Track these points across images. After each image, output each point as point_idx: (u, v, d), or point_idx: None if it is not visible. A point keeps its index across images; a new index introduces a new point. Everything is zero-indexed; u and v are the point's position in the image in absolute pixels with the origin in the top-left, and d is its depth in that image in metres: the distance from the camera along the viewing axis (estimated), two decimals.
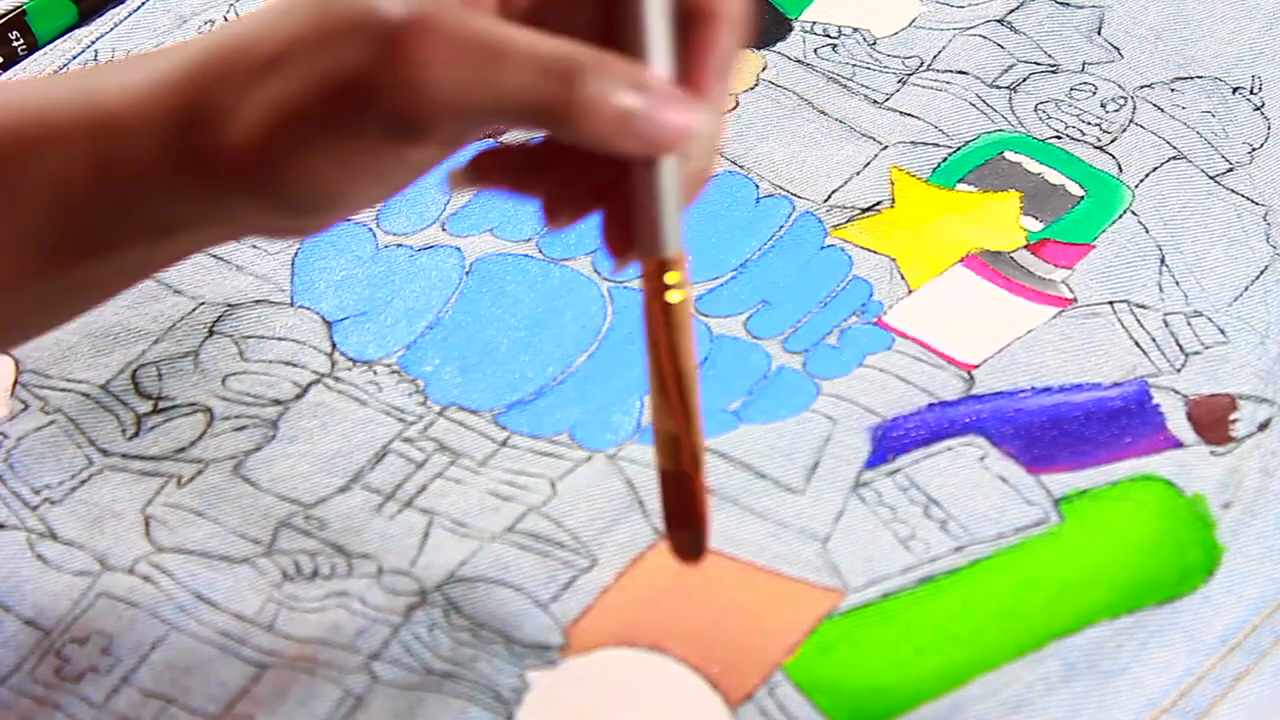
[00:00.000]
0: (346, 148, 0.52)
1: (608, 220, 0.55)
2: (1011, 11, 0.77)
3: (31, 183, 0.53)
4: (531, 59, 0.51)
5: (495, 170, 0.55)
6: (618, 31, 0.52)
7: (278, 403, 0.66)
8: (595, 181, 0.54)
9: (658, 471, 0.56)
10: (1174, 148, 0.73)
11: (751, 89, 0.75)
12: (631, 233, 0.54)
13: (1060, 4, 0.78)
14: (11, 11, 0.79)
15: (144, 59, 0.54)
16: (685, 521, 0.57)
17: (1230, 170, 0.72)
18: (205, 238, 0.55)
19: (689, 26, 0.53)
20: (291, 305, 0.69)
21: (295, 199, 0.53)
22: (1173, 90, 0.75)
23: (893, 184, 0.72)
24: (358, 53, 0.51)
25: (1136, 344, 0.67)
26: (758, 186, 0.72)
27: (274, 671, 0.59)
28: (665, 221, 0.53)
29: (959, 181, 0.72)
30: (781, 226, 0.71)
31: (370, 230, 0.71)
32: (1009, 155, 0.73)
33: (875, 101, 0.75)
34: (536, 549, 0.61)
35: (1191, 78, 0.75)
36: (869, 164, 0.73)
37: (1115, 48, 0.76)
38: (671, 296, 0.54)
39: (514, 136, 0.67)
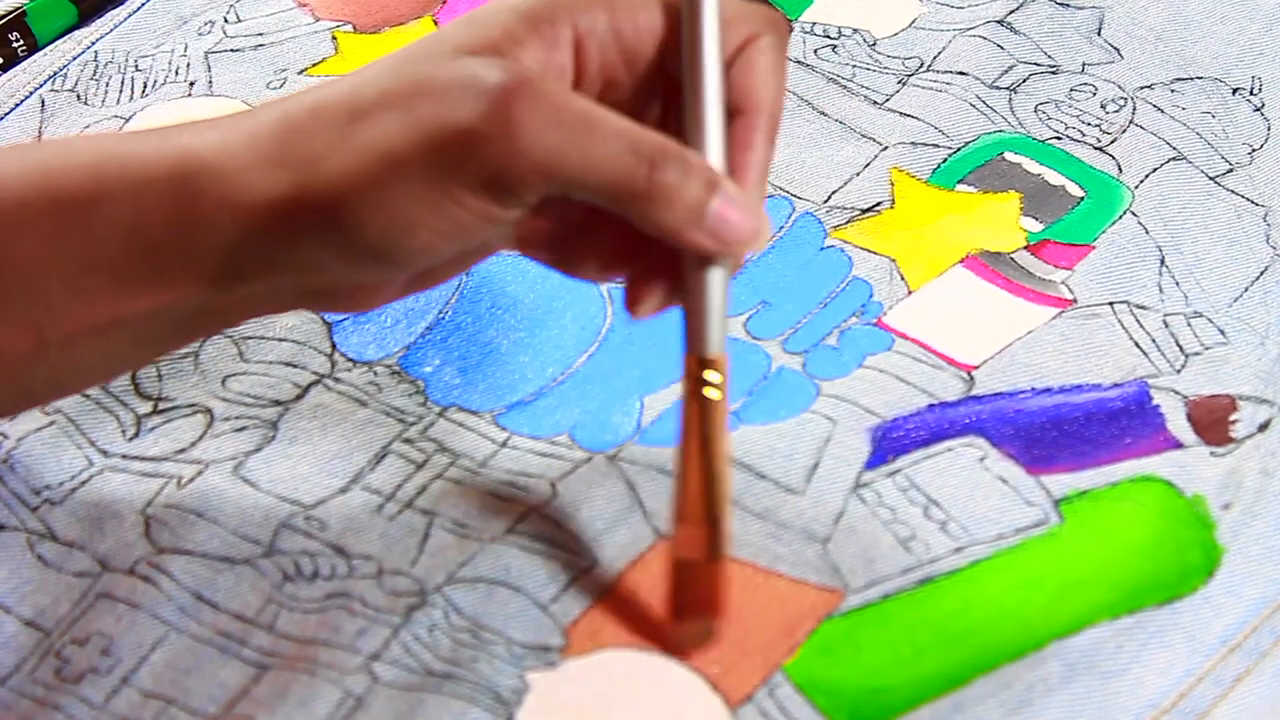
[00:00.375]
0: (438, 194, 0.54)
1: (631, 280, 0.58)
2: (1011, 12, 0.77)
3: (105, 221, 0.55)
4: (623, 136, 0.54)
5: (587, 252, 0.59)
6: (680, 129, 0.56)
7: (278, 403, 0.66)
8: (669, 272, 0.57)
9: (670, 562, 0.58)
10: (1174, 148, 0.73)
11: None
12: (682, 329, 0.57)
13: (1060, 4, 0.78)
14: (11, 12, 0.79)
15: (232, 116, 0.56)
16: (696, 612, 0.58)
17: (1230, 171, 0.72)
18: (264, 294, 0.57)
19: (730, 122, 0.57)
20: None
21: (377, 243, 0.55)
22: (1173, 91, 0.75)
23: (893, 185, 0.72)
24: (463, 106, 0.53)
25: (1136, 345, 0.67)
26: None
27: (274, 672, 0.59)
28: (712, 322, 0.56)
29: (959, 182, 0.72)
30: (781, 227, 0.71)
31: None
32: (1009, 156, 0.73)
33: (875, 102, 0.75)
34: (537, 550, 0.61)
35: (1191, 78, 0.75)
36: (869, 165, 0.73)
37: (1115, 48, 0.76)
38: (710, 394, 0.57)
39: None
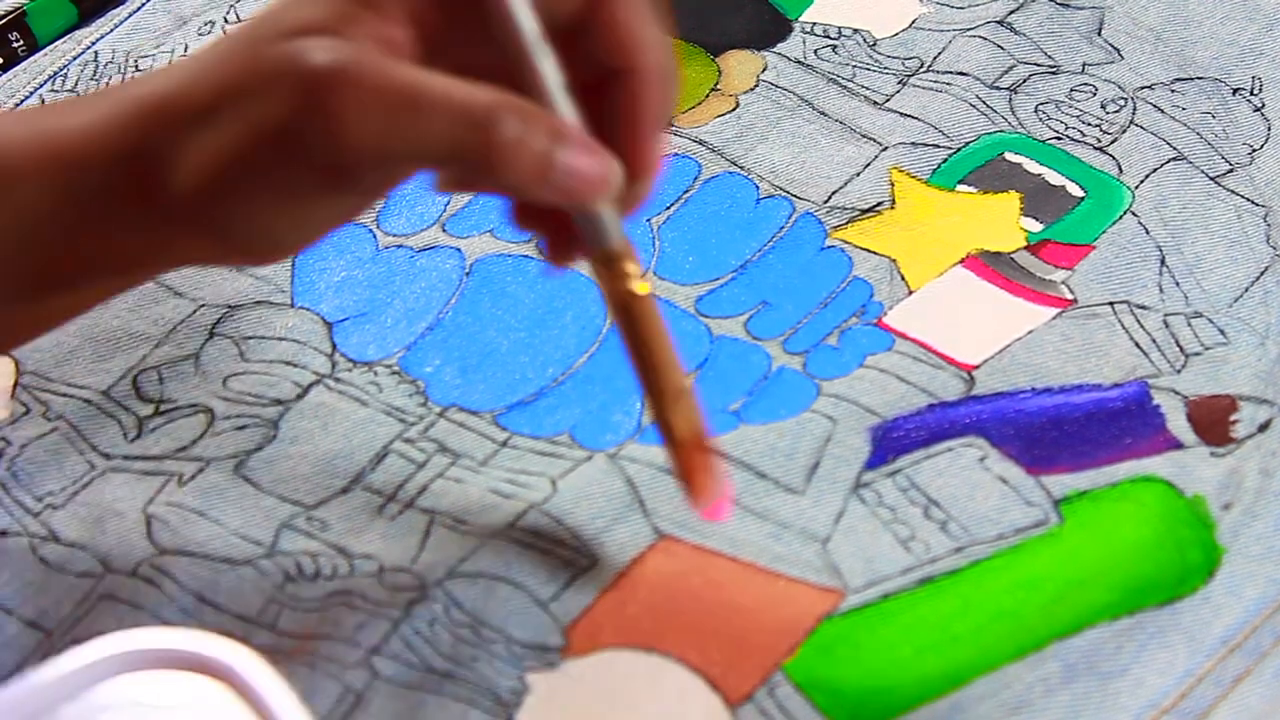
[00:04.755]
0: (281, 194, 0.53)
1: (550, 236, 0.57)
2: (1012, 12, 0.77)
3: None
4: (449, 107, 0.52)
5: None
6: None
7: (279, 402, 0.66)
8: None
9: (670, 446, 0.58)
10: (1174, 149, 0.73)
11: (752, 90, 0.75)
12: (576, 239, 0.56)
13: (1060, 5, 0.78)
14: (11, 12, 0.79)
15: (94, 98, 0.55)
16: (704, 481, 0.59)
17: (1230, 171, 0.72)
18: (169, 268, 0.58)
19: (613, 84, 0.55)
20: (292, 306, 0.69)
21: (239, 239, 0.54)
22: (1173, 91, 0.75)
23: (893, 185, 0.72)
24: (281, 104, 0.52)
25: (1137, 345, 0.67)
26: (758, 187, 0.72)
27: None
28: (604, 216, 0.55)
29: (959, 182, 0.72)
30: (782, 227, 0.71)
31: (370, 231, 0.71)
32: (1009, 156, 0.73)
33: (875, 102, 0.75)
34: (537, 546, 0.62)
35: (1192, 79, 0.75)
36: (869, 165, 0.73)
37: (1115, 48, 0.76)
38: (638, 287, 0.56)
39: None
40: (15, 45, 0.79)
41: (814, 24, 0.78)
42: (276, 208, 0.54)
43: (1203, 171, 0.72)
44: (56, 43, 0.80)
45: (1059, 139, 0.73)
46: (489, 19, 0.54)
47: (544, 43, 0.54)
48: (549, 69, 0.54)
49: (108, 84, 0.78)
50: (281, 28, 0.53)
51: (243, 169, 0.53)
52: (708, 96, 0.75)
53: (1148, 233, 0.70)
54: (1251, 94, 0.74)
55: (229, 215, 0.54)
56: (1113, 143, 0.73)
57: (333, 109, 0.51)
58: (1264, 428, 0.64)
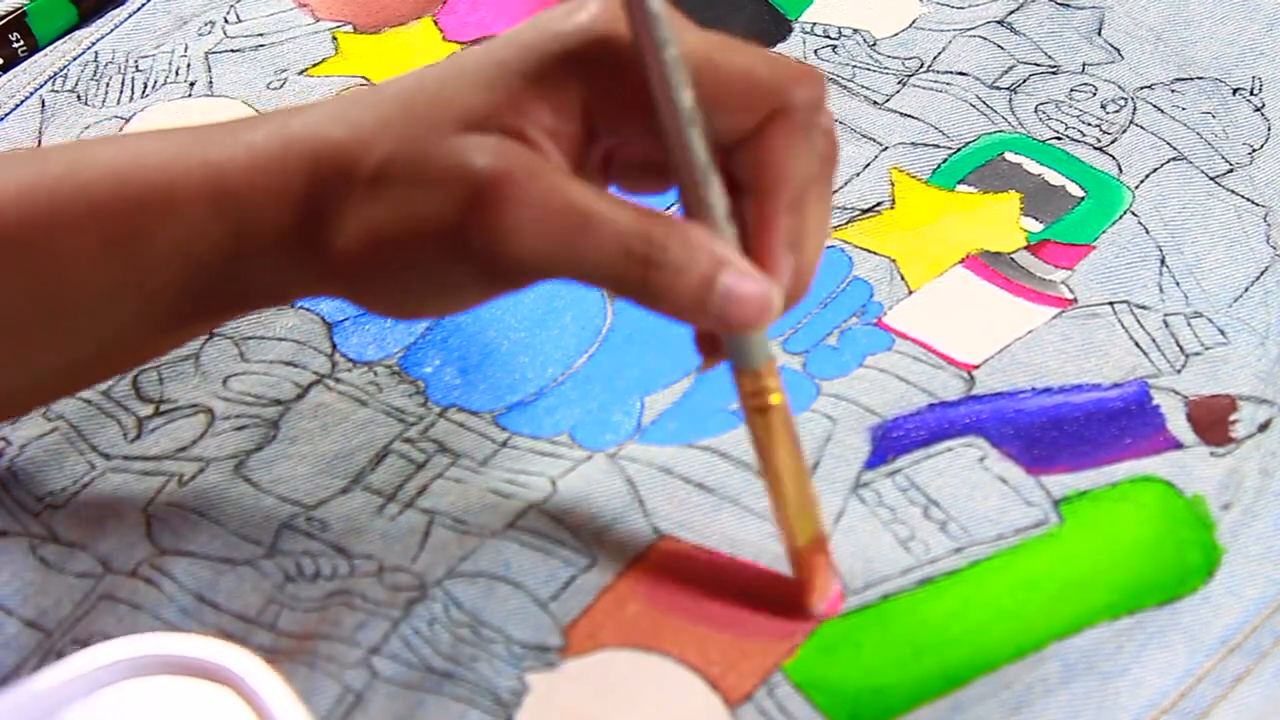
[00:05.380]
0: (432, 278, 0.54)
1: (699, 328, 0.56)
2: (1011, 12, 0.77)
3: (158, 250, 0.56)
4: (613, 235, 0.52)
5: None
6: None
7: (278, 403, 0.66)
8: None
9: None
10: (1174, 148, 0.73)
11: None
12: (720, 344, 0.56)
13: (1060, 5, 0.78)
14: (12, 13, 0.79)
15: (250, 127, 0.56)
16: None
17: (1230, 171, 0.72)
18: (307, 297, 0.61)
19: (757, 196, 0.55)
20: (292, 306, 0.69)
21: (383, 304, 0.56)
22: (1173, 91, 0.75)
23: (893, 185, 0.72)
24: (445, 204, 0.52)
25: (1137, 345, 0.67)
26: None
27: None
28: (753, 340, 0.55)
29: (959, 182, 0.72)
30: None
31: None
32: (1009, 156, 0.73)
33: (875, 102, 0.75)
34: (537, 546, 0.62)
35: (1192, 79, 0.75)
36: (869, 165, 0.73)
37: (1115, 48, 0.76)
38: (773, 400, 0.56)
39: None
40: (15, 45, 0.79)
41: (814, 24, 0.78)
42: (425, 286, 0.55)
43: (1202, 171, 0.72)
44: (56, 43, 0.80)
45: (1059, 139, 0.73)
46: (663, 141, 0.53)
47: (713, 169, 0.54)
48: (716, 196, 0.54)
49: (108, 84, 0.78)
50: (451, 114, 0.53)
51: (400, 250, 0.53)
52: None
53: (1148, 232, 0.70)
54: (1251, 94, 0.74)
55: (377, 284, 0.55)
56: (1113, 143, 0.73)
57: (495, 219, 0.52)
58: (1264, 427, 0.64)
